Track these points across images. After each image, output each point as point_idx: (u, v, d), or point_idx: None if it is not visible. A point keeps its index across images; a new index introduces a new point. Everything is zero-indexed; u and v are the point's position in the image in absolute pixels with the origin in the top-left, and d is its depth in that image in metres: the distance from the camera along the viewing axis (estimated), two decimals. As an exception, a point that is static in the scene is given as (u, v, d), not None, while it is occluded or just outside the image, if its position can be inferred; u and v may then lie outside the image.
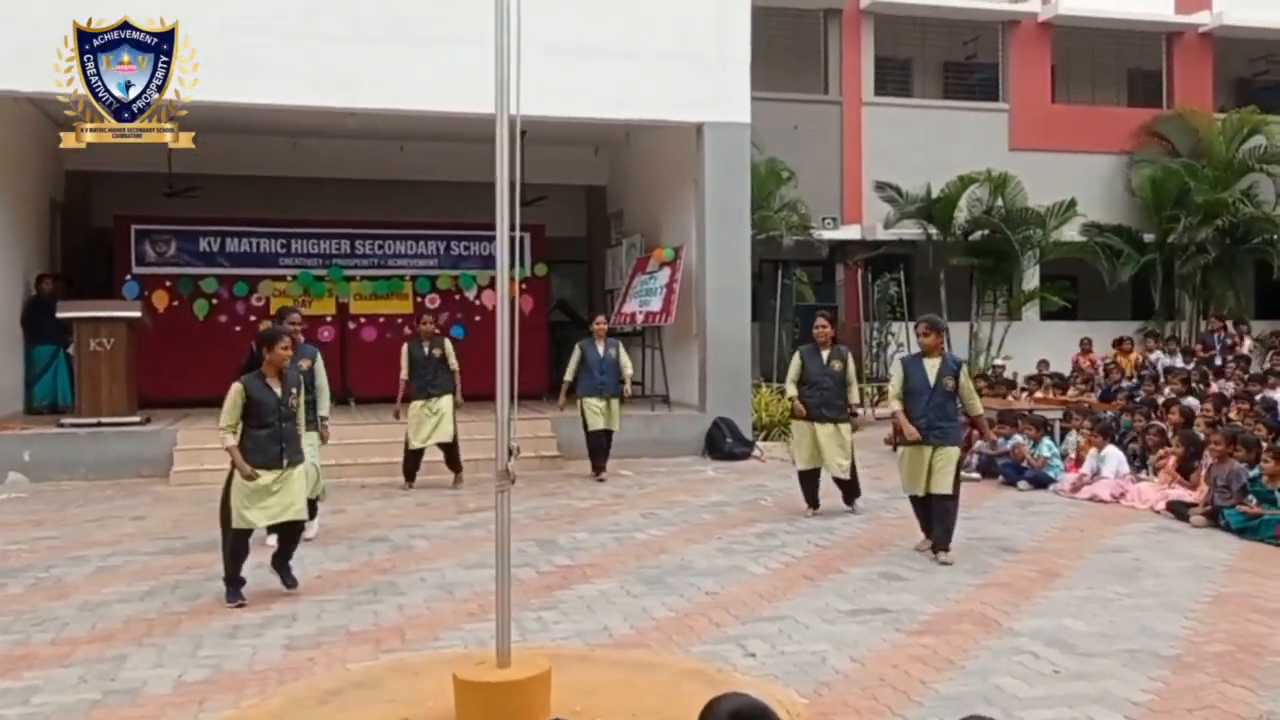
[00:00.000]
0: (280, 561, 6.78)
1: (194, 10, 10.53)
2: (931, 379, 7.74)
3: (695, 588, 6.87)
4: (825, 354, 9.28)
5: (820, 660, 5.38)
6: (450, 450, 10.91)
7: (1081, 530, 8.82)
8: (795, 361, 9.51)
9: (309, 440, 7.57)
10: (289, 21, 11.82)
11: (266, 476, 6.48)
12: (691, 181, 13.97)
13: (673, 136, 14.27)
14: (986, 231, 18.52)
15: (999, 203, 18.43)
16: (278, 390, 6.61)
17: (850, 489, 9.52)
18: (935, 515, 7.71)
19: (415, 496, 10.44)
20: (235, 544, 6.56)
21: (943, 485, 7.61)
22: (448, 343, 11.04)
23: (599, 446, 11.45)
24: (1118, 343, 16.85)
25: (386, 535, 8.46)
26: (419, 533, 8.57)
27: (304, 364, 8.16)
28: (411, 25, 12.08)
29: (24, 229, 13.96)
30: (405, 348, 10.92)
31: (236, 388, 6.49)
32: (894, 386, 8.05)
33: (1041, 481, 10.78)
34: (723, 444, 13.00)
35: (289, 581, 6.75)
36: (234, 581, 6.55)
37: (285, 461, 6.59)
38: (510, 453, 4.62)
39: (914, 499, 7.97)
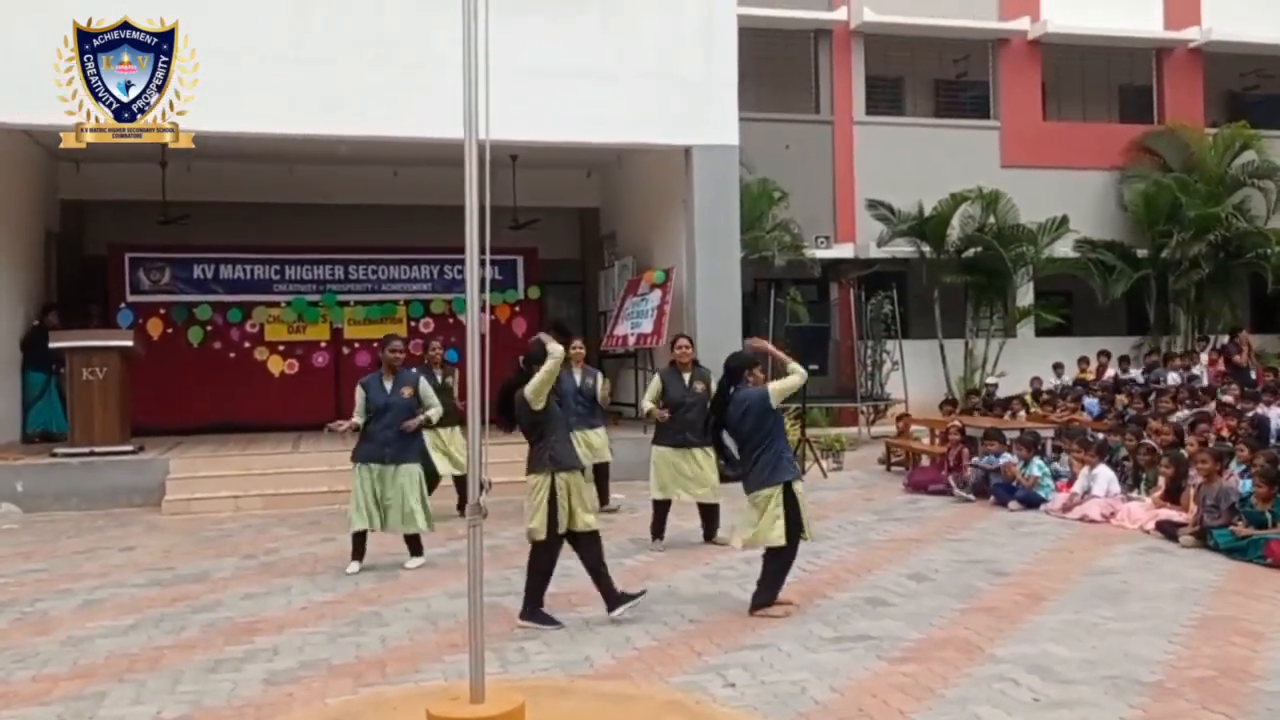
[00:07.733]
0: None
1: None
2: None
3: (679, 615, 6.87)
4: (687, 376, 9.03)
5: (800, 690, 5.36)
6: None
7: (1071, 552, 8.80)
8: (655, 383, 9.20)
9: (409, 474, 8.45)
10: (273, 45, 11.78)
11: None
12: (681, 203, 14.01)
13: (663, 159, 14.31)
14: (979, 249, 18.56)
15: (991, 220, 18.47)
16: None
17: (712, 519, 9.14)
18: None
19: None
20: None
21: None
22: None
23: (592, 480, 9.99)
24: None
25: (373, 564, 8.45)
26: (406, 561, 8.54)
27: (405, 391, 8.36)
28: (395, 50, 12.08)
29: (21, 260, 14.03)
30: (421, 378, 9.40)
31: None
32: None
33: (1032, 501, 10.73)
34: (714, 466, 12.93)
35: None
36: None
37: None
38: (482, 486, 4.63)
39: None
